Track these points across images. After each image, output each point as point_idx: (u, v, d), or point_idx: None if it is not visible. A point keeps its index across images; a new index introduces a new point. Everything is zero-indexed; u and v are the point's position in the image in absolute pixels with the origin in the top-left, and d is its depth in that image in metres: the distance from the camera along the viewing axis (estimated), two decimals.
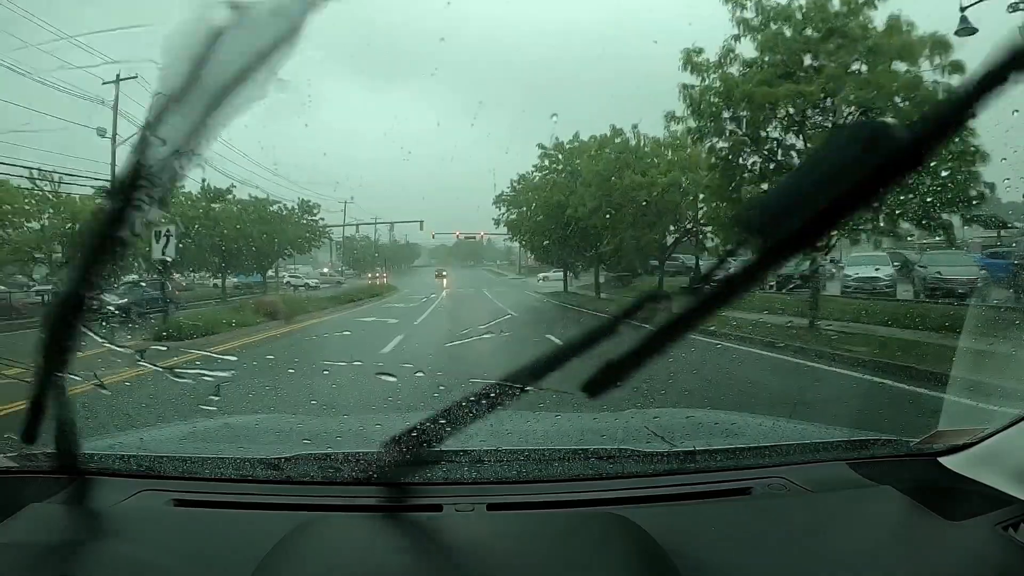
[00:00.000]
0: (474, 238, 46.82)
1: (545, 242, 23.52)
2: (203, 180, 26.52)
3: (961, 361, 1.65)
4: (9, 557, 1.17)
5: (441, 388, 2.86)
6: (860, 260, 16.30)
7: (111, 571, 1.15)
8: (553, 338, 12.88)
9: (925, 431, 1.49)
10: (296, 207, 31.10)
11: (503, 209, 27.43)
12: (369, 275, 39.29)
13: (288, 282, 34.59)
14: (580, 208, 18.43)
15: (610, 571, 1.10)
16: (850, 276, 15.71)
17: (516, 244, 39.93)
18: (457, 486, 1.39)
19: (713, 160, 11.55)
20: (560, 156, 21.57)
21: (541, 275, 38.00)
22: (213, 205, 26.42)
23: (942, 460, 1.36)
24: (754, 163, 11.39)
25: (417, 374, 3.24)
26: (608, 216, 16.30)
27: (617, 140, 17.09)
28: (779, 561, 1.16)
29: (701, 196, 15.26)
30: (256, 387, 5.04)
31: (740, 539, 1.24)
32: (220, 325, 12.90)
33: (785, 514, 1.33)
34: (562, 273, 33.27)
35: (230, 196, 25.71)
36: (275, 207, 28.82)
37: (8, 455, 1.48)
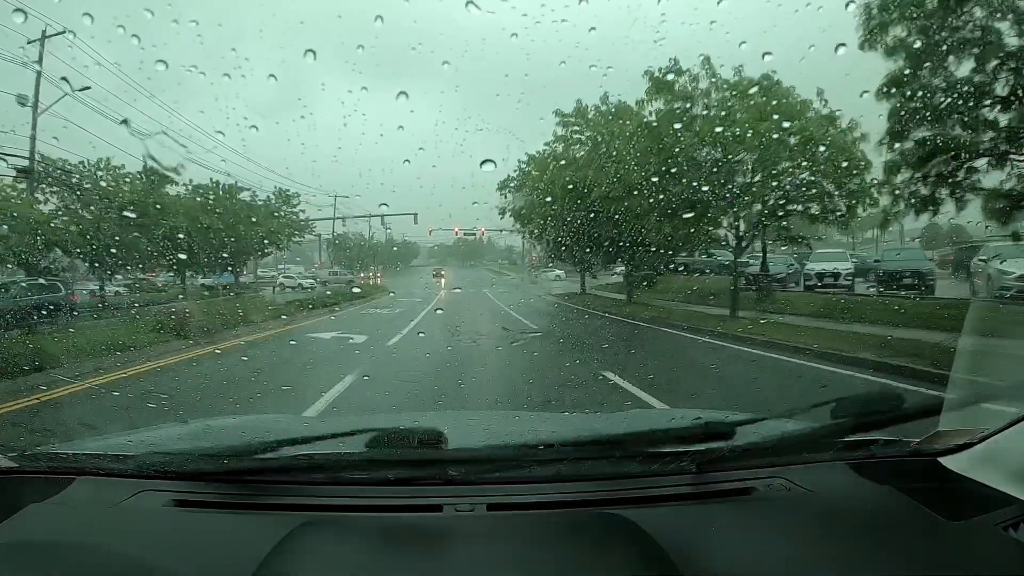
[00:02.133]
0: (474, 235, 42.79)
1: (560, 235, 17.65)
2: (144, 157, 20.65)
3: (961, 360, 1.58)
4: (9, 557, 1.18)
5: None
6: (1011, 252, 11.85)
7: (111, 571, 1.15)
8: (617, 379, 7.06)
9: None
10: (272, 197, 25.29)
11: (509, 196, 21.61)
12: (361, 275, 36.01)
13: (280, 283, 31.38)
14: (613, 185, 12.76)
15: (610, 572, 1.11)
16: (1010, 275, 11.43)
17: (518, 242, 35.49)
18: (457, 486, 1.38)
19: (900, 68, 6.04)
20: (585, 121, 15.78)
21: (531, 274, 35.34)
22: (165, 190, 21.98)
23: (942, 460, 1.35)
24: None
25: None
26: (660, 192, 10.61)
27: (677, 86, 11.23)
28: (780, 561, 1.16)
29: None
30: None
31: (741, 539, 1.24)
32: (66, 352, 7.15)
33: (786, 514, 1.33)
34: (558, 272, 30.18)
35: (185, 180, 20.31)
36: (245, 194, 23.18)
37: (8, 455, 1.47)
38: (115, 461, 1.48)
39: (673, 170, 11.90)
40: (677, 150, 11.57)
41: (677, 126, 11.24)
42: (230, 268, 26.98)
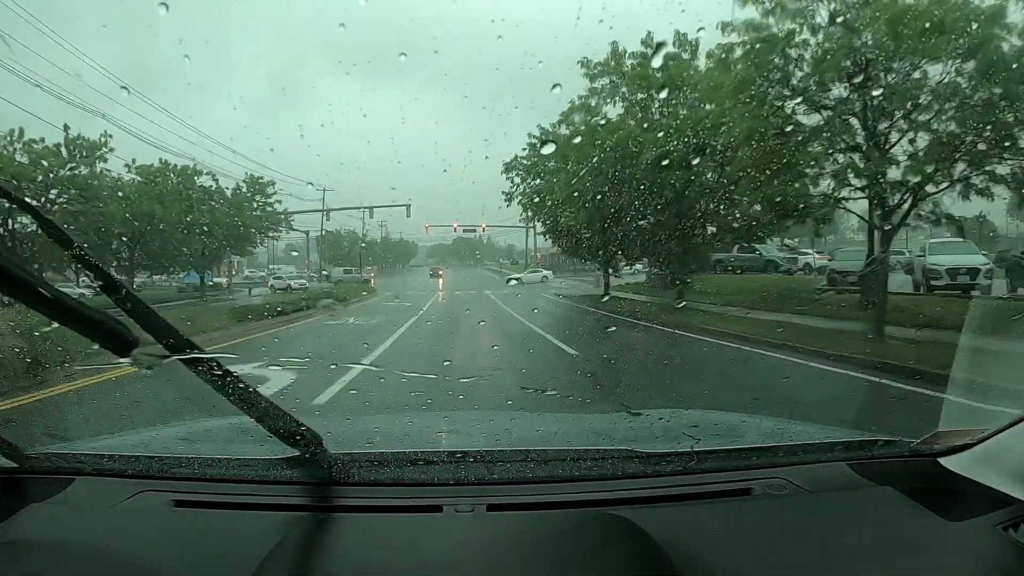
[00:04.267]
0: (474, 232, 39.80)
1: (590, 218, 13.18)
2: (65, 128, 16.06)
3: (961, 360, 1.52)
4: (9, 557, 1.18)
5: None
6: None
7: (111, 571, 1.16)
8: None
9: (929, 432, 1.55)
10: (243, 185, 20.91)
11: (516, 181, 19.59)
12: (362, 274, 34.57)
13: (270, 284, 28.79)
14: (676, 146, 8.37)
15: (610, 572, 1.12)
16: None
17: (520, 241, 32.41)
18: (457, 486, 1.39)
19: None
20: (626, 71, 11.30)
21: (512, 276, 32.09)
22: (105, 169, 18.28)
23: (942, 460, 1.35)
24: None
25: None
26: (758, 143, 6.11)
27: None
28: (779, 562, 1.17)
29: None
30: None
31: (740, 539, 1.25)
32: None
33: (785, 514, 1.34)
34: (544, 272, 28.83)
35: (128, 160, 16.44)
36: (204, 177, 19.15)
37: (8, 455, 1.44)
38: (115, 461, 1.50)
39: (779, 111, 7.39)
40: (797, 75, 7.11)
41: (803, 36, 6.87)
42: (211, 268, 24.22)
